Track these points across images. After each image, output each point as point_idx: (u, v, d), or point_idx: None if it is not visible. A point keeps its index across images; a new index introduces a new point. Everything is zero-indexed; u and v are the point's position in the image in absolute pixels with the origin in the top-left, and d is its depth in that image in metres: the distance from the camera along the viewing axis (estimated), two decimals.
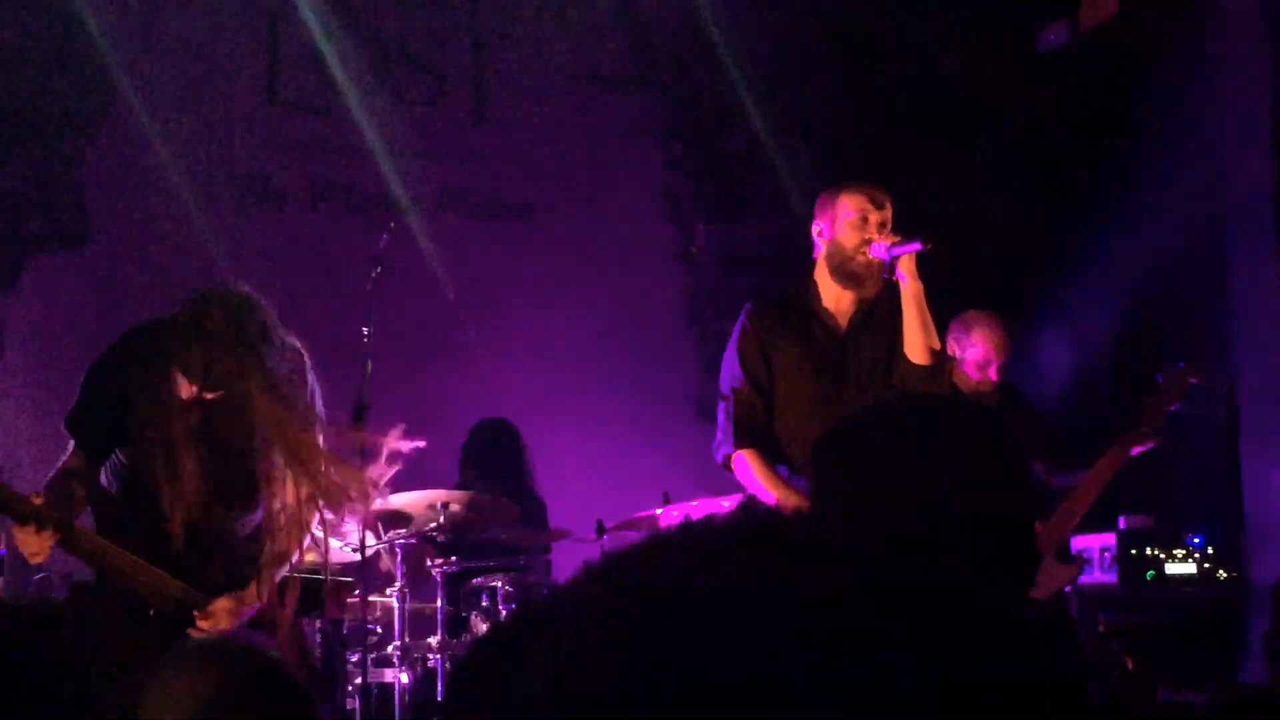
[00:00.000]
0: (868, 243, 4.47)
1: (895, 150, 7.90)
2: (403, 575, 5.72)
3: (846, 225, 4.52)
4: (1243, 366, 6.53)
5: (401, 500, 5.79)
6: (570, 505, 6.67)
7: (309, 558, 4.27)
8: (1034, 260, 7.83)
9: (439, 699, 5.56)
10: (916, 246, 4.41)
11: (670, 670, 0.94)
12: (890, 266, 4.46)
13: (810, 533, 1.06)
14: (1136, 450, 5.40)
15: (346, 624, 5.53)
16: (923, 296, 4.49)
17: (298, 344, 4.24)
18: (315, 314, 6.10)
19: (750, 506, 1.08)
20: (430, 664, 5.68)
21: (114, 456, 4.09)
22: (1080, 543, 6.16)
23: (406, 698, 5.59)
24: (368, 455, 4.84)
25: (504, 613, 5.69)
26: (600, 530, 6.07)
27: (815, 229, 4.65)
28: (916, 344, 4.47)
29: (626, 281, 7.79)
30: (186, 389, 3.93)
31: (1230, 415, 6.53)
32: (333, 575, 4.69)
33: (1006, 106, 7.97)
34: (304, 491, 4.22)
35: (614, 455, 7.42)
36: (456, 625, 5.81)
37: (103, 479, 4.13)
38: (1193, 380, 5.52)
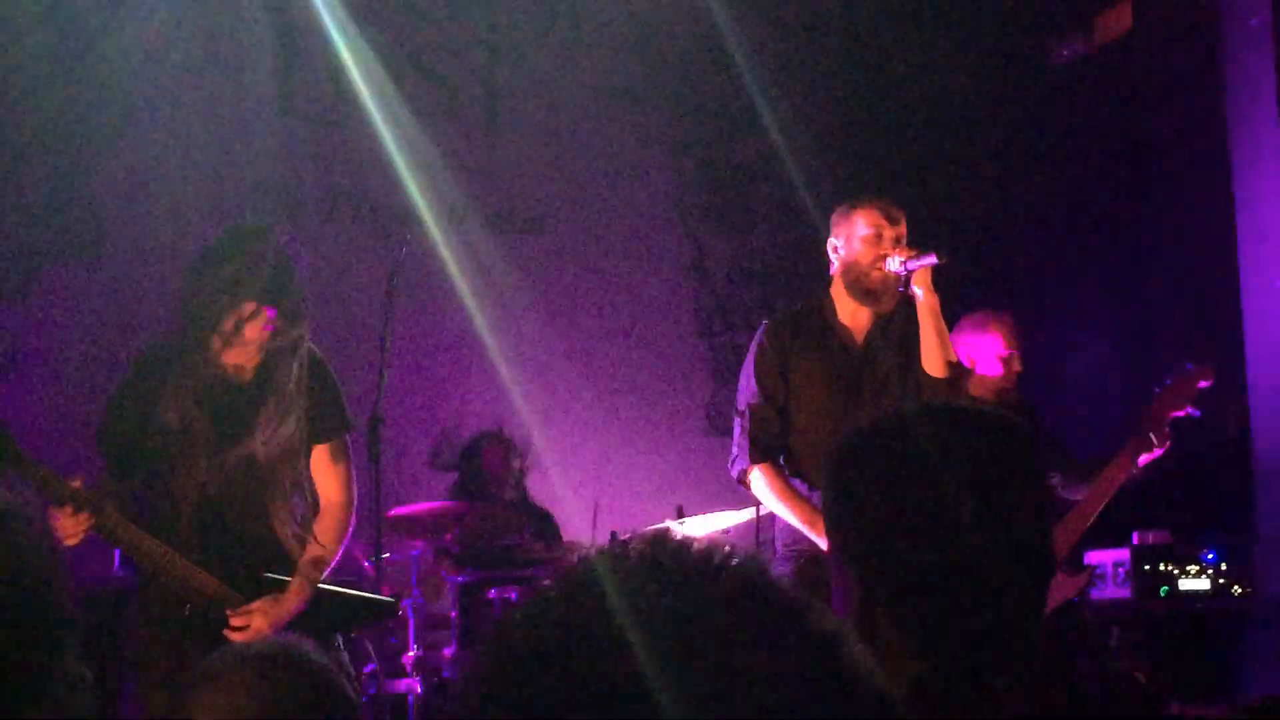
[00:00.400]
0: (883, 258, 4.48)
1: (906, 163, 7.91)
2: (416, 586, 5.73)
3: (862, 241, 4.54)
4: (1256, 383, 6.52)
5: (414, 511, 5.81)
6: (583, 517, 6.68)
7: None
8: (1044, 274, 7.83)
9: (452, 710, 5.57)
10: (932, 260, 4.42)
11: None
12: (906, 281, 4.48)
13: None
14: (1145, 459, 5.34)
15: (360, 635, 5.54)
16: (939, 310, 4.51)
17: (319, 354, 4.27)
18: (329, 325, 6.11)
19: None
20: (444, 675, 5.69)
21: (146, 468, 4.11)
22: (1094, 557, 6.16)
23: (420, 708, 5.60)
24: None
25: None
26: (614, 542, 6.06)
27: (830, 245, 4.66)
28: (933, 357, 4.48)
29: (638, 293, 7.79)
30: (249, 325, 3.98)
31: (1244, 431, 6.53)
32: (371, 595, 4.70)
33: (1019, 121, 7.98)
34: (340, 494, 4.26)
35: (626, 467, 7.43)
36: (470, 637, 5.82)
37: (136, 499, 4.16)
38: (1203, 384, 5.47)
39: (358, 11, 7.35)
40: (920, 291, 4.47)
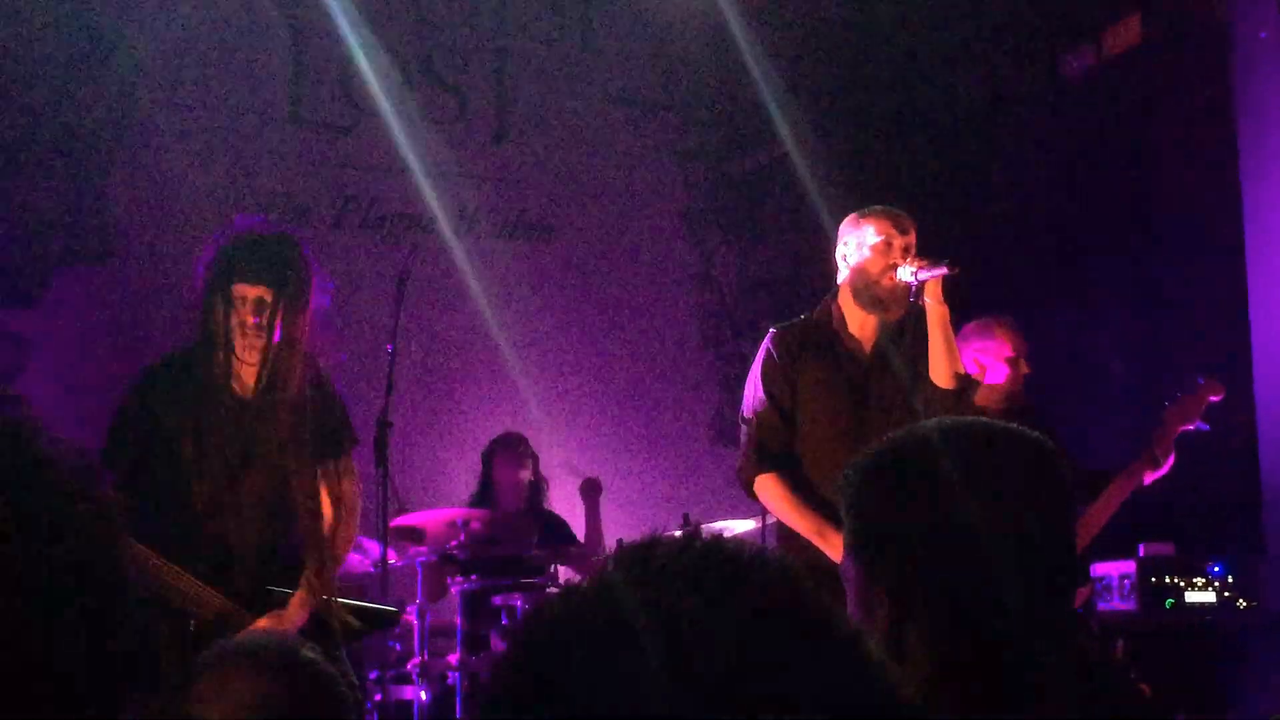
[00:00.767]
0: (893, 267, 4.48)
1: (916, 174, 7.92)
2: (422, 592, 5.74)
3: (871, 250, 4.53)
4: (1263, 396, 6.52)
5: (422, 517, 5.82)
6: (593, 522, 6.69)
7: None
8: (1053, 284, 7.82)
9: (457, 716, 5.57)
10: (943, 271, 4.42)
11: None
12: (917, 291, 4.48)
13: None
14: (1150, 478, 5.39)
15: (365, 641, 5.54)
16: (948, 321, 4.50)
17: (320, 365, 4.28)
18: (338, 331, 6.12)
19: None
20: (449, 681, 5.69)
21: (154, 482, 4.12)
22: (1100, 569, 6.15)
23: (425, 715, 5.60)
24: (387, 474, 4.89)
25: None
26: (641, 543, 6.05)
27: (839, 254, 4.66)
28: (941, 368, 4.48)
29: (646, 301, 7.80)
30: (248, 310, 3.99)
31: (1250, 443, 6.52)
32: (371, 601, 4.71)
33: (1028, 132, 7.98)
34: (342, 507, 4.27)
35: (633, 475, 7.43)
36: (475, 643, 5.83)
37: (144, 511, 4.16)
38: (1213, 398, 5.49)
39: (369, 18, 7.37)
40: (930, 302, 4.47)
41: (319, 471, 4.23)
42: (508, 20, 7.76)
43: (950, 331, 4.52)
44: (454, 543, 5.73)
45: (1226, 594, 6.17)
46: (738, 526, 5.61)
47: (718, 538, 1.07)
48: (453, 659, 5.70)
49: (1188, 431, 5.51)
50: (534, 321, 7.53)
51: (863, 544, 1.87)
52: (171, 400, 4.05)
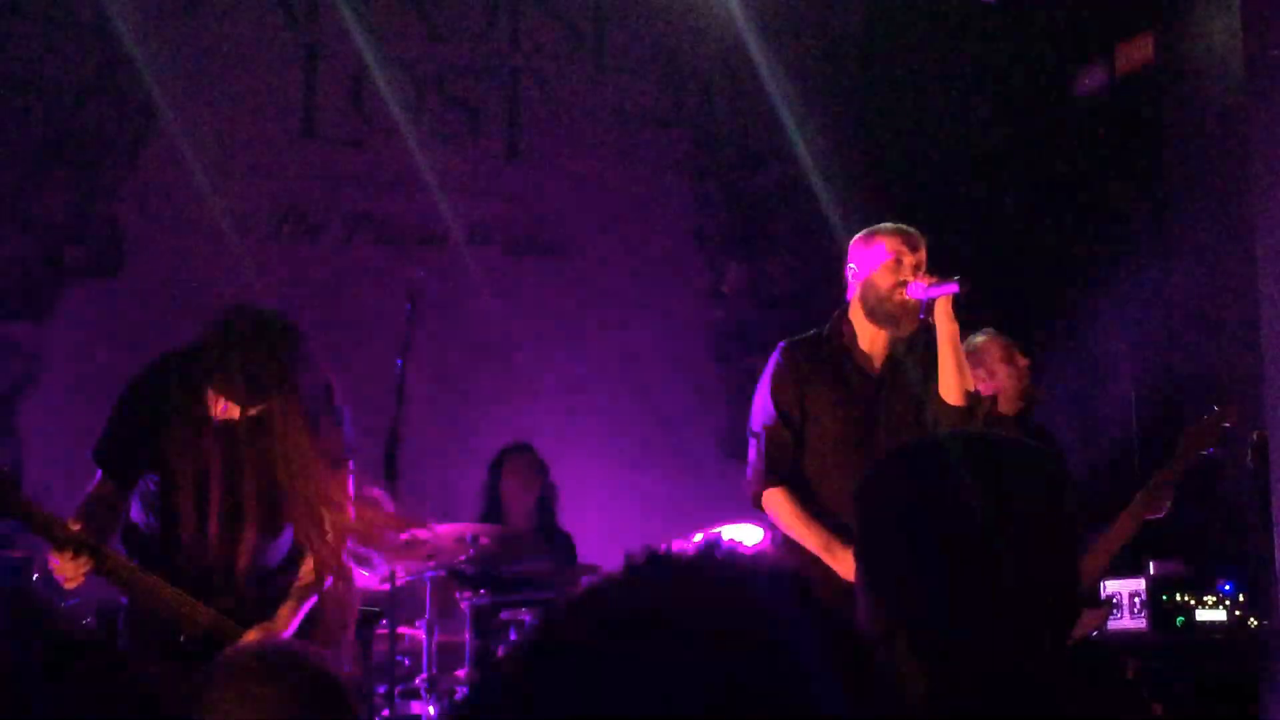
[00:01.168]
0: (903, 284, 4.49)
1: (928, 192, 7.92)
2: (431, 608, 5.73)
3: (882, 267, 4.54)
4: (1276, 417, 6.50)
5: (430, 533, 5.81)
6: (598, 540, 6.67)
7: None
8: (1064, 304, 7.82)
9: None
10: (953, 288, 4.42)
11: None
12: (928, 308, 4.48)
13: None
14: (1148, 516, 5.42)
15: (374, 656, 5.54)
16: (958, 338, 4.51)
17: (328, 377, 4.27)
18: (348, 346, 6.14)
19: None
20: (457, 697, 5.68)
21: (143, 485, 4.12)
22: (1110, 587, 6.13)
23: None
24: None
25: None
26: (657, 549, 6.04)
27: (849, 270, 4.67)
28: (951, 385, 4.48)
29: (657, 317, 7.80)
30: (220, 408, 3.95)
31: (1262, 461, 6.50)
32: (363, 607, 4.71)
33: (1040, 151, 7.98)
34: (333, 522, 4.25)
35: (642, 490, 7.42)
36: (484, 659, 5.82)
37: (133, 511, 4.16)
38: (1227, 424, 5.51)
39: (382, 34, 7.40)
40: (940, 319, 4.47)
41: (316, 484, 4.20)
42: (520, 37, 7.78)
43: (960, 349, 4.52)
44: (463, 558, 5.72)
45: (1238, 612, 6.15)
46: (747, 540, 5.60)
47: (730, 549, 1.08)
48: (461, 674, 5.69)
49: (1203, 457, 5.53)
50: (545, 338, 7.54)
51: (860, 551, 1.87)
52: (166, 405, 4.04)
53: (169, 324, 6.38)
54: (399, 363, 5.15)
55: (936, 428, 4.40)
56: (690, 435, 7.70)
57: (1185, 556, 6.27)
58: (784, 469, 4.56)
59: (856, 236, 4.70)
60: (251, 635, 4.02)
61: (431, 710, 5.56)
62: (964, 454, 1.88)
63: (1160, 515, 5.48)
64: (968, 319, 4.89)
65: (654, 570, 1.04)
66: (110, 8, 6.77)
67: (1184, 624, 6.11)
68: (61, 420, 6.56)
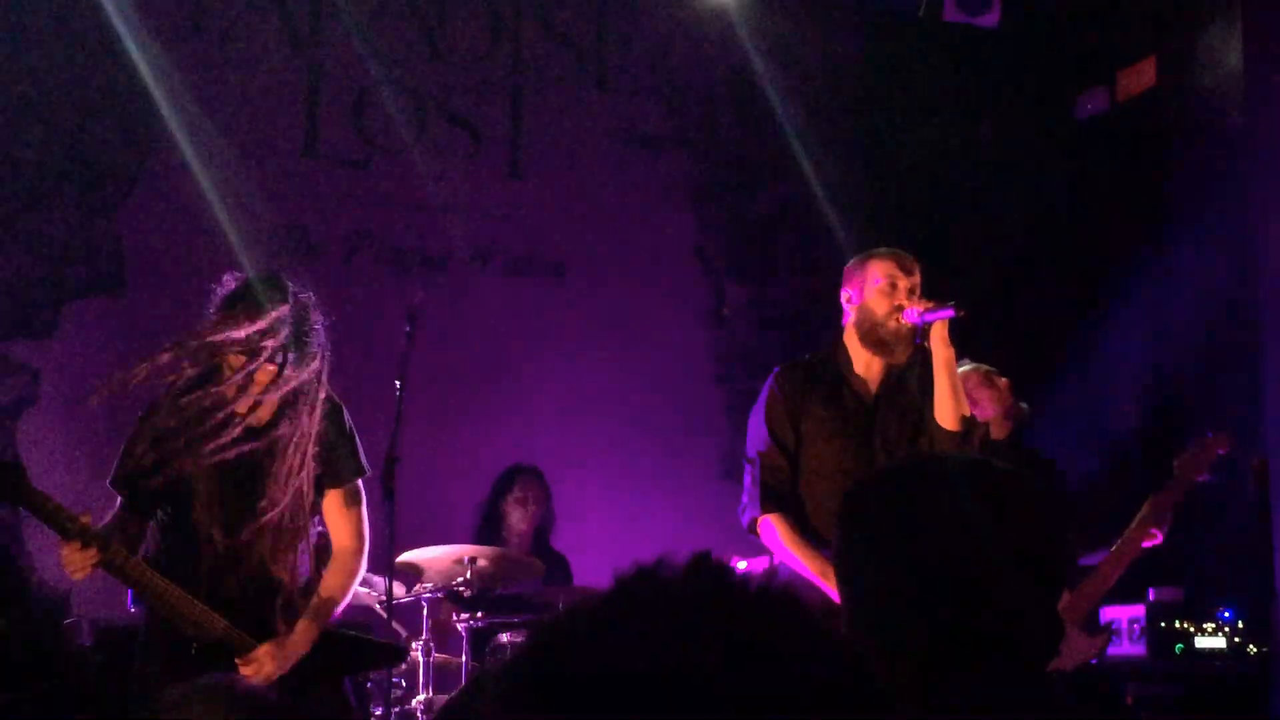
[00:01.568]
0: (898, 309, 4.49)
1: (929, 215, 7.92)
2: (428, 630, 5.72)
3: (876, 291, 4.54)
4: (1275, 439, 6.48)
5: (427, 554, 5.80)
6: (596, 562, 6.66)
7: None
8: (1064, 328, 7.81)
9: None
10: (949, 313, 4.42)
11: None
12: (924, 333, 4.48)
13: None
14: (1147, 544, 5.42)
15: (371, 678, 5.53)
16: (954, 363, 4.50)
17: (334, 396, 4.29)
18: (348, 366, 6.13)
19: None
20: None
21: (160, 512, 4.13)
22: (1109, 614, 6.12)
23: None
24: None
25: None
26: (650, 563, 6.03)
27: (844, 295, 4.67)
28: (946, 410, 4.47)
29: (657, 340, 7.80)
30: (239, 349, 3.98)
31: (1262, 488, 6.49)
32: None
33: (1042, 174, 7.99)
34: (351, 539, 4.27)
35: (641, 513, 7.41)
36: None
37: (150, 536, 4.17)
38: (1221, 450, 5.50)
39: (385, 54, 7.41)
40: (936, 344, 4.47)
41: (326, 501, 4.24)
42: (523, 57, 7.79)
43: (956, 374, 4.51)
44: (460, 579, 5.72)
45: (1237, 640, 6.13)
46: (744, 563, 5.59)
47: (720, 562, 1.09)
48: None
49: (1197, 483, 5.52)
50: (545, 359, 7.53)
51: (842, 572, 1.87)
52: (180, 427, 4.06)
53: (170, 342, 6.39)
54: (398, 383, 5.16)
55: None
56: (690, 457, 7.69)
57: (1185, 583, 6.26)
58: (779, 495, 4.55)
59: (851, 261, 4.71)
60: (265, 649, 4.02)
61: None
62: (942, 479, 1.87)
63: (1157, 542, 5.47)
64: (966, 344, 4.90)
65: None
66: (115, 28, 6.79)
67: (1183, 651, 6.09)
68: (62, 439, 6.57)
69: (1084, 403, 7.51)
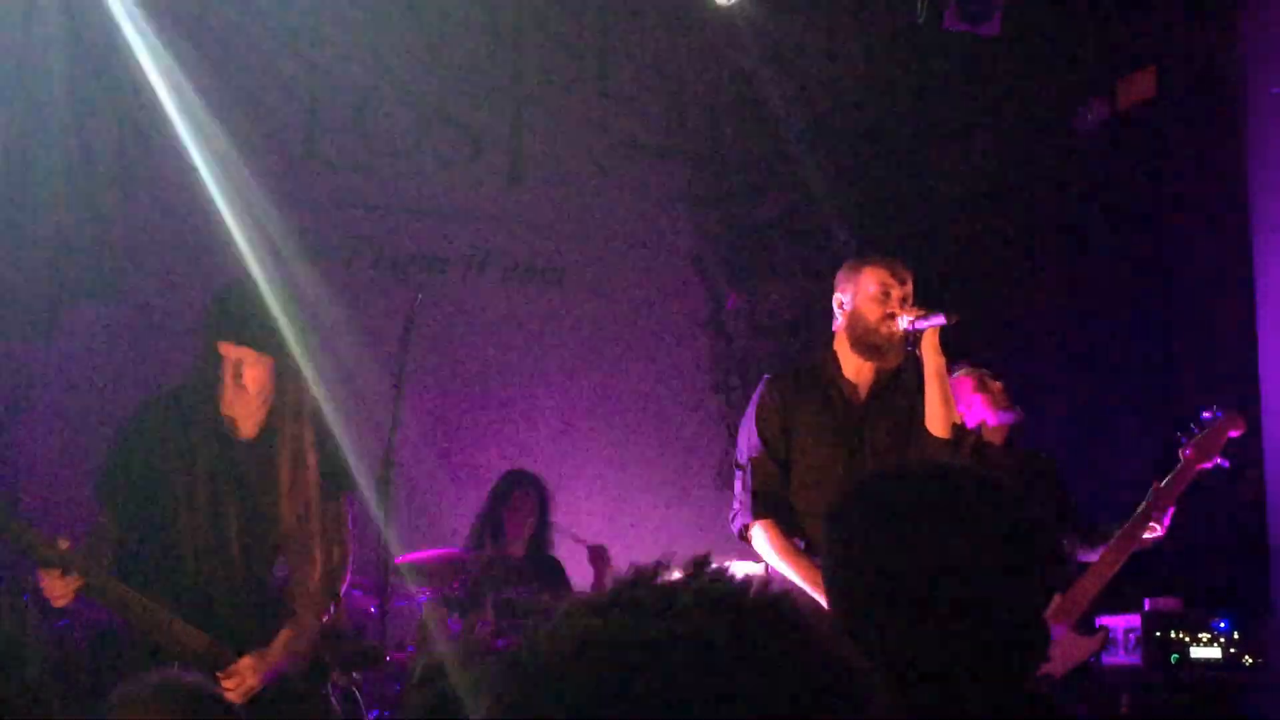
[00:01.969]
0: (890, 316, 4.48)
1: (929, 224, 7.93)
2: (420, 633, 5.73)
3: (869, 298, 4.54)
4: (1273, 452, 6.49)
5: (424, 558, 5.81)
6: (592, 565, 6.66)
7: None
8: (1062, 335, 7.81)
9: None
10: (941, 321, 4.42)
11: None
12: (916, 340, 4.47)
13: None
14: (1148, 536, 5.36)
15: (365, 681, 5.52)
16: (945, 370, 4.50)
17: (318, 401, 4.27)
18: (344, 371, 6.14)
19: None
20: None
21: (143, 519, 4.11)
22: (1105, 623, 6.10)
23: None
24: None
25: None
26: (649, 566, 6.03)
27: (836, 301, 4.67)
28: (937, 417, 4.47)
29: (655, 346, 7.80)
30: (233, 359, 3.97)
31: (1259, 497, 6.48)
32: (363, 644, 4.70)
33: (1042, 184, 7.98)
34: (334, 551, 4.25)
35: (637, 519, 7.42)
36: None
37: (132, 542, 4.15)
38: (1234, 433, 5.40)
39: (385, 59, 7.42)
40: (927, 351, 4.47)
41: (313, 514, 4.21)
42: (523, 64, 7.80)
43: (947, 382, 4.51)
44: (454, 584, 5.72)
45: (1232, 650, 6.11)
46: (741, 570, 5.58)
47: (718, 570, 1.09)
48: None
49: (1206, 470, 5.42)
50: (543, 365, 7.54)
51: (828, 583, 1.87)
52: (165, 438, 4.05)
53: (168, 346, 6.41)
54: (394, 387, 5.16)
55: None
56: (688, 464, 7.69)
57: (1181, 594, 6.24)
58: (770, 501, 4.54)
59: (844, 267, 4.71)
60: (246, 661, 4.02)
61: None
62: (925, 487, 1.88)
63: (1159, 536, 5.40)
64: (964, 350, 4.90)
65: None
66: (116, 31, 6.80)
67: (1178, 661, 6.07)
68: (59, 441, 6.57)
69: (1082, 408, 7.50)
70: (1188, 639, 6.08)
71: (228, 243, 6.78)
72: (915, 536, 1.79)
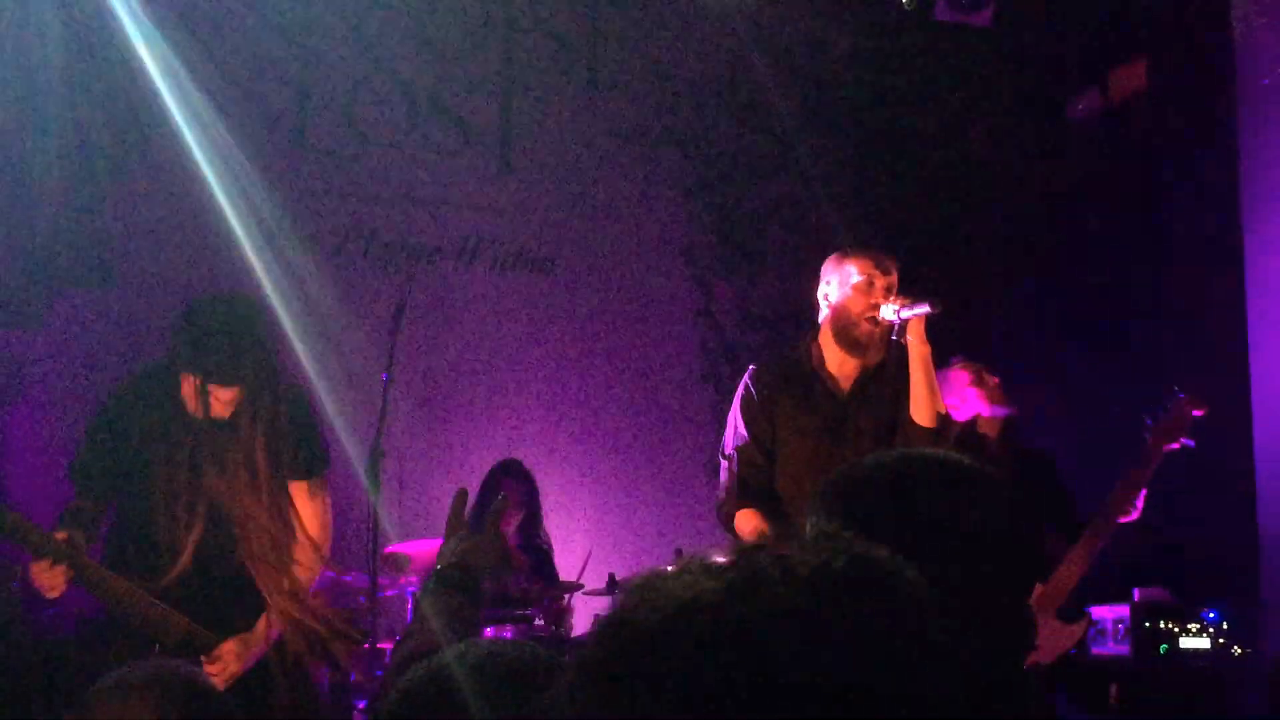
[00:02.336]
0: (874, 307, 4.48)
1: (920, 214, 7.92)
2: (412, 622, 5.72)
3: (853, 289, 4.53)
4: (1263, 442, 6.49)
5: (413, 547, 5.81)
6: (581, 557, 6.67)
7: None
8: (1056, 327, 7.82)
9: None
10: (926, 309, 4.41)
11: None
12: (901, 330, 4.47)
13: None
14: (1124, 520, 5.37)
15: (354, 672, 5.52)
16: (930, 359, 4.50)
17: (300, 388, 4.25)
18: (335, 359, 6.14)
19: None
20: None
21: (120, 499, 4.10)
22: (1094, 613, 6.11)
23: None
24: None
25: None
26: (612, 585, 6.07)
27: (821, 292, 4.67)
28: (922, 406, 4.47)
29: (645, 336, 7.81)
30: (194, 399, 3.93)
31: (1248, 488, 6.49)
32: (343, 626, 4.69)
33: (1033, 175, 7.99)
34: (314, 532, 4.23)
35: (627, 509, 7.42)
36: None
37: (110, 523, 4.15)
38: (1196, 413, 5.41)
39: (376, 48, 7.41)
40: (913, 340, 4.47)
41: (290, 494, 4.18)
42: (514, 53, 7.79)
43: (932, 372, 4.51)
44: None
45: (1221, 640, 6.13)
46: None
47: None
48: None
49: (1174, 451, 5.43)
50: (532, 354, 7.54)
51: None
52: (141, 419, 4.03)
53: (158, 335, 6.39)
54: (384, 376, 5.16)
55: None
56: (677, 454, 7.70)
57: (1170, 584, 6.25)
58: (755, 491, 4.54)
59: (829, 258, 4.70)
60: (229, 646, 4.01)
61: None
62: (905, 475, 1.87)
63: (1134, 517, 5.40)
64: (956, 342, 4.90)
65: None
66: (108, 17, 6.78)
67: (1167, 651, 6.08)
68: (48, 430, 6.57)
69: (1076, 400, 7.50)
70: (1177, 629, 6.09)
71: (220, 231, 6.79)
72: (892, 526, 1.79)
